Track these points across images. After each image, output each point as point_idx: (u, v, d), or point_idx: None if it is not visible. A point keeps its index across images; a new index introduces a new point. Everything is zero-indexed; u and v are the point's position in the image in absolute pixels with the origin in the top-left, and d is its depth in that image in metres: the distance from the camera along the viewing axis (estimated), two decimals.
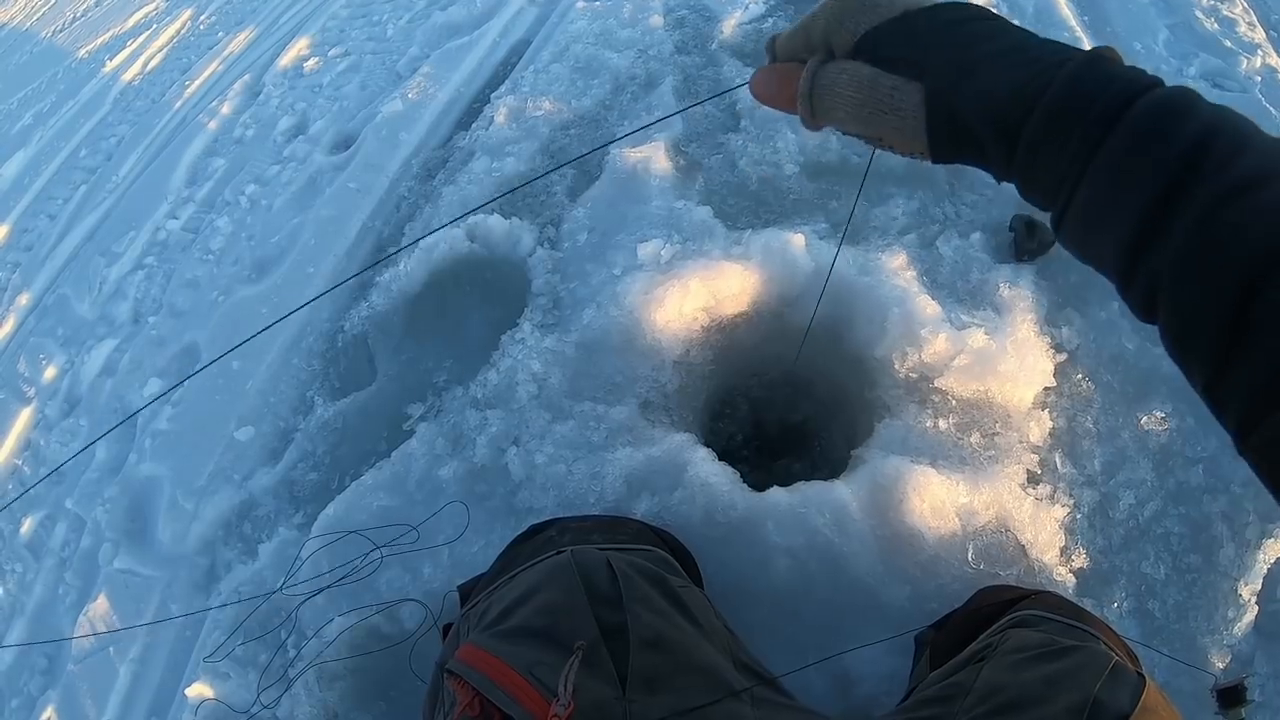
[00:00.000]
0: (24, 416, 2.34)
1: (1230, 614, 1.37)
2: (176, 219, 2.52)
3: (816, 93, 0.61)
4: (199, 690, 1.61)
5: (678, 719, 0.84)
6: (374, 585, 1.54)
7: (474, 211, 1.92)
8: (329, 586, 1.56)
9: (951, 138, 0.56)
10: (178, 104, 2.98)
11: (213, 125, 2.75)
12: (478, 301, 1.87)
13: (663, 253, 1.76)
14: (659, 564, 1.07)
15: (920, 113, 0.56)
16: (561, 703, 0.78)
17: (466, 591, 1.20)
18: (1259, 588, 1.39)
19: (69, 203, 2.93)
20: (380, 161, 2.22)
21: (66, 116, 3.36)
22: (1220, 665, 1.34)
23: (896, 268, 1.69)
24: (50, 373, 2.41)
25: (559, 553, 1.01)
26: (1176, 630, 1.37)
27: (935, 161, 0.58)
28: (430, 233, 1.89)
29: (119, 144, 3.03)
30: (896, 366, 1.56)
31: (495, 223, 1.94)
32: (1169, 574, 1.41)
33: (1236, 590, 1.38)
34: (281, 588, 1.62)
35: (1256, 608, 1.38)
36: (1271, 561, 1.41)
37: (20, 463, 2.25)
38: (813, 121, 0.63)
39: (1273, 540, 1.42)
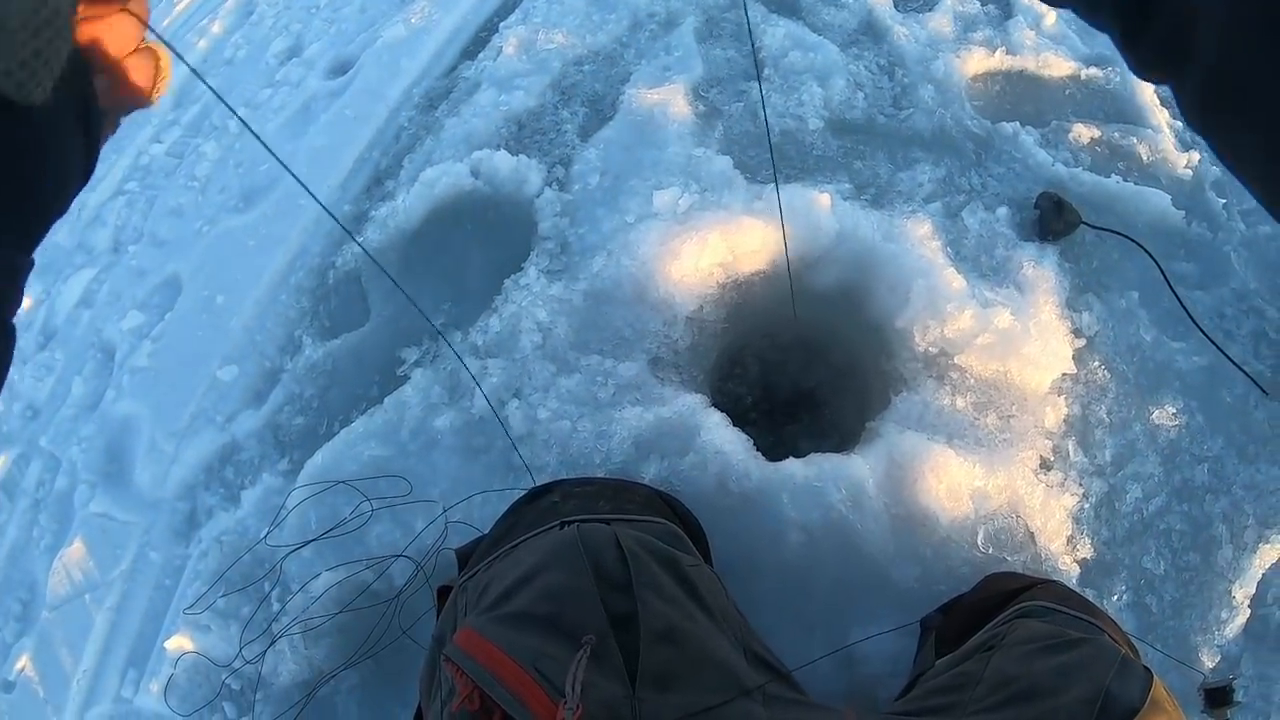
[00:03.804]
0: None
1: (1223, 615, 1.39)
2: (160, 143, 2.38)
3: None
4: (178, 642, 1.56)
5: None
6: (363, 539, 1.46)
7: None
8: (315, 539, 1.48)
9: None
10: (166, 21, 2.80)
11: (202, 45, 2.59)
12: (480, 242, 1.76)
13: (680, 202, 1.67)
14: (669, 539, 1.01)
15: None
16: (570, 705, 0.72)
17: (464, 556, 1.13)
18: (1252, 591, 1.41)
19: None
20: (379, 89, 2.08)
21: None
22: (1209, 664, 1.37)
23: (921, 237, 1.62)
24: (25, 302, 2.29)
25: (563, 525, 0.95)
26: (1171, 627, 1.38)
27: None
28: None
29: None
30: (917, 339, 1.51)
31: (501, 159, 1.82)
32: (1168, 570, 1.42)
33: (1231, 592, 1.41)
34: (265, 538, 1.54)
35: (1248, 611, 1.40)
36: (1266, 566, 1.43)
37: None
38: None
39: (1269, 545, 1.44)
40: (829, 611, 1.29)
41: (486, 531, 1.14)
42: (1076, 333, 1.60)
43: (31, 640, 1.73)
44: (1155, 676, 0.85)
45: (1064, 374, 1.54)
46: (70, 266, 2.23)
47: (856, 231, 1.62)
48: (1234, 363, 1.57)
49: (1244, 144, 0.44)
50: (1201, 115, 0.44)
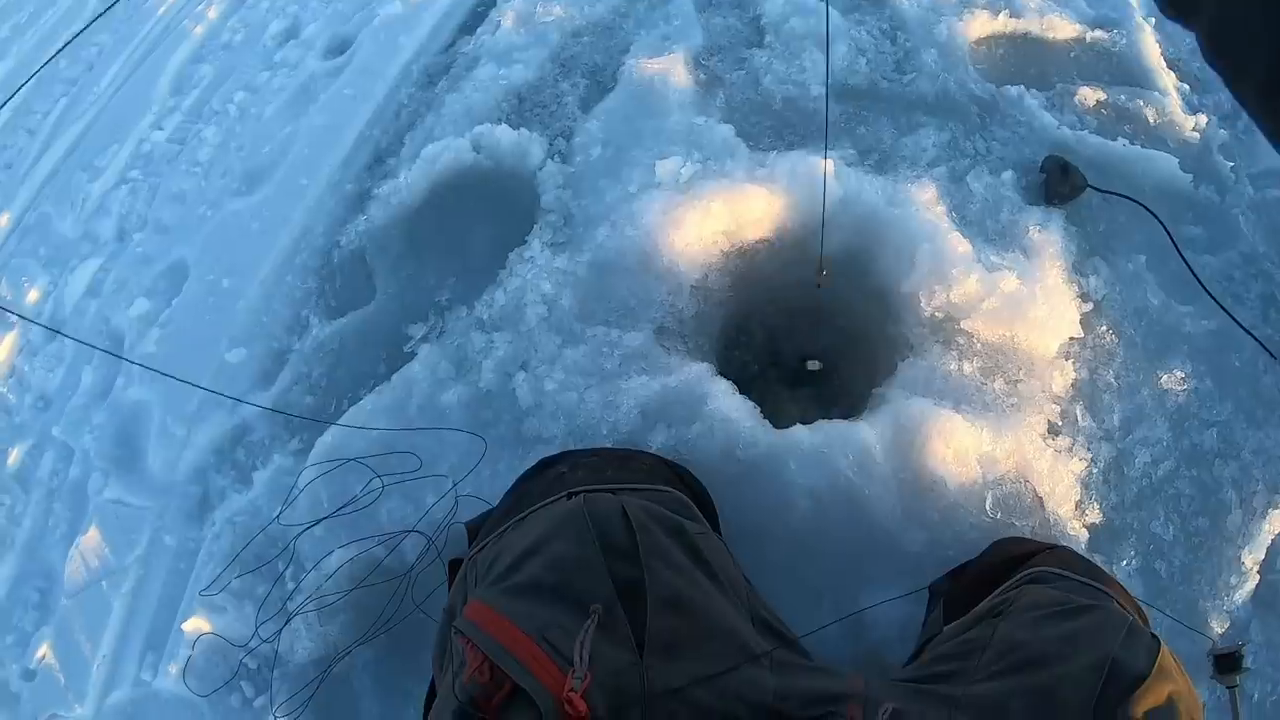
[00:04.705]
0: (8, 341, 2.23)
1: (1232, 580, 1.38)
2: (161, 130, 2.36)
3: None
4: (195, 624, 1.56)
5: (696, 687, 0.78)
6: (374, 516, 1.46)
7: None
8: (327, 517, 1.48)
9: None
10: (161, 9, 2.79)
11: (199, 30, 2.58)
12: (483, 217, 1.75)
13: (682, 171, 1.66)
14: (676, 507, 1.01)
15: None
16: (578, 674, 0.73)
17: (474, 529, 1.13)
18: (1261, 557, 1.40)
19: (49, 117, 2.77)
20: (378, 67, 2.07)
21: (46, 27, 3.17)
22: (1219, 630, 1.36)
23: (926, 201, 1.61)
24: (33, 295, 2.29)
25: (570, 495, 0.95)
26: (1180, 592, 1.38)
27: None
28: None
29: (100, 53, 2.85)
30: (923, 304, 1.50)
31: (503, 133, 1.80)
32: (1177, 535, 1.41)
33: (1240, 557, 1.40)
34: (278, 518, 1.54)
35: (1257, 577, 1.39)
36: (1275, 532, 1.42)
37: (5, 390, 2.15)
38: None
39: (1278, 511, 1.43)
40: (837, 577, 1.29)
41: (496, 504, 1.14)
42: (1083, 297, 1.59)
43: (51, 628, 1.74)
44: (1162, 643, 0.85)
45: (1071, 338, 1.53)
46: (76, 257, 2.23)
47: (860, 197, 1.61)
48: (1242, 327, 1.56)
49: (1246, 83, 0.49)
50: (1210, 56, 0.49)
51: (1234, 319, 1.56)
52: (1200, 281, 1.60)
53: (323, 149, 1.97)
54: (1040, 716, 0.79)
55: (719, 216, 1.58)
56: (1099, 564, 1.35)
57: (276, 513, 1.54)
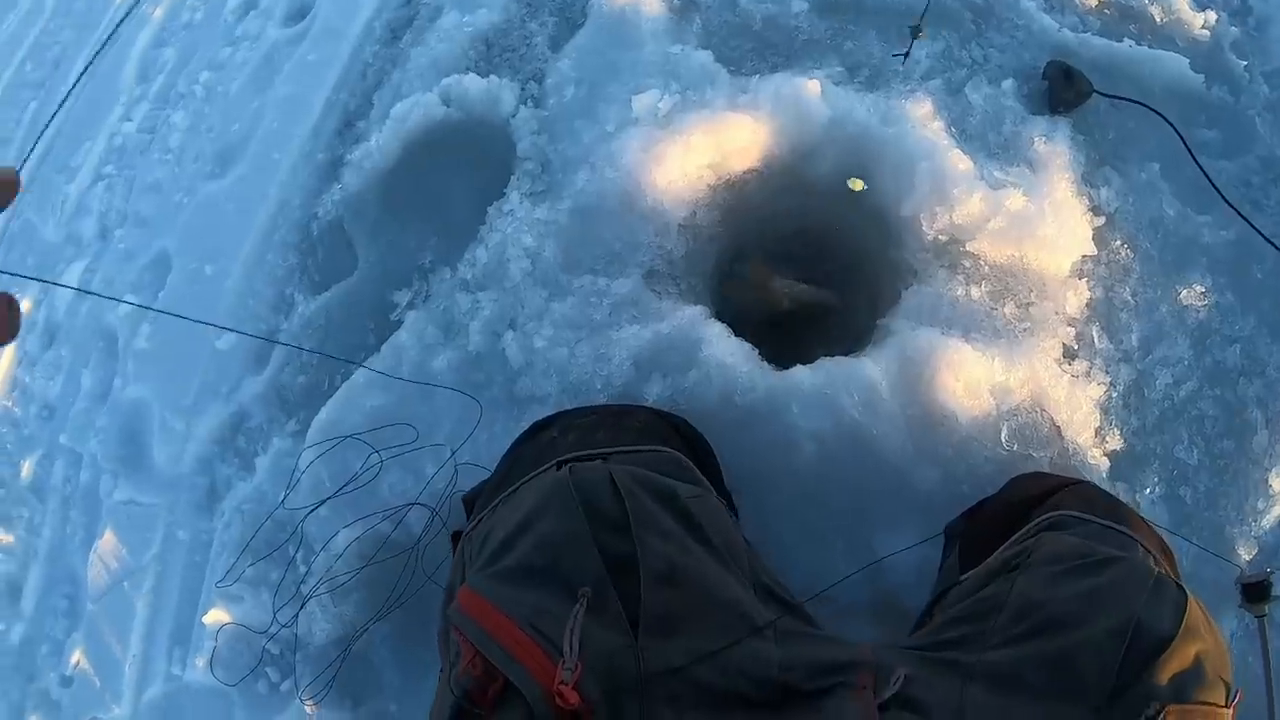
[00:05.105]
0: (6, 354, 2.21)
1: (1259, 504, 1.35)
2: (131, 121, 2.30)
3: None
4: (216, 616, 1.56)
5: (697, 665, 0.74)
6: (376, 491, 1.43)
7: None
8: (330, 498, 1.46)
9: None
10: None
11: (158, 14, 2.48)
12: (459, 172, 1.67)
13: (660, 105, 1.56)
14: (670, 467, 0.96)
15: None
16: (568, 665, 0.68)
17: (470, 501, 1.09)
18: None
19: (20, 124, 2.71)
20: (339, 27, 1.97)
21: (7, 31, 3.09)
22: (1246, 557, 1.33)
23: (922, 117, 1.51)
24: (25, 305, 2.26)
25: (559, 466, 0.91)
26: (1206, 518, 1.34)
27: None
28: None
29: (64, 51, 2.77)
30: (925, 227, 1.42)
31: (471, 82, 1.71)
32: (1201, 459, 1.37)
33: (1267, 480, 1.36)
34: (284, 503, 1.52)
35: None
36: None
37: (10, 404, 2.14)
38: None
39: None
40: (848, 520, 1.24)
41: (491, 472, 1.10)
42: (1095, 210, 1.50)
43: (81, 634, 1.75)
44: (1189, 595, 0.80)
45: (1084, 256, 1.46)
46: (62, 261, 2.19)
47: (851, 116, 1.52)
48: (1263, 235, 1.46)
49: None
50: None
51: (1254, 227, 1.46)
52: (1217, 188, 1.50)
53: (291, 120, 1.89)
54: (1058, 687, 0.74)
55: (702, 149, 1.49)
56: (1122, 498, 1.28)
57: (281, 498, 1.51)
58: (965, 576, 0.98)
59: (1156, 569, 0.83)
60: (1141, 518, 1.04)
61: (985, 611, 0.83)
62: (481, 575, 0.82)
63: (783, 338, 1.56)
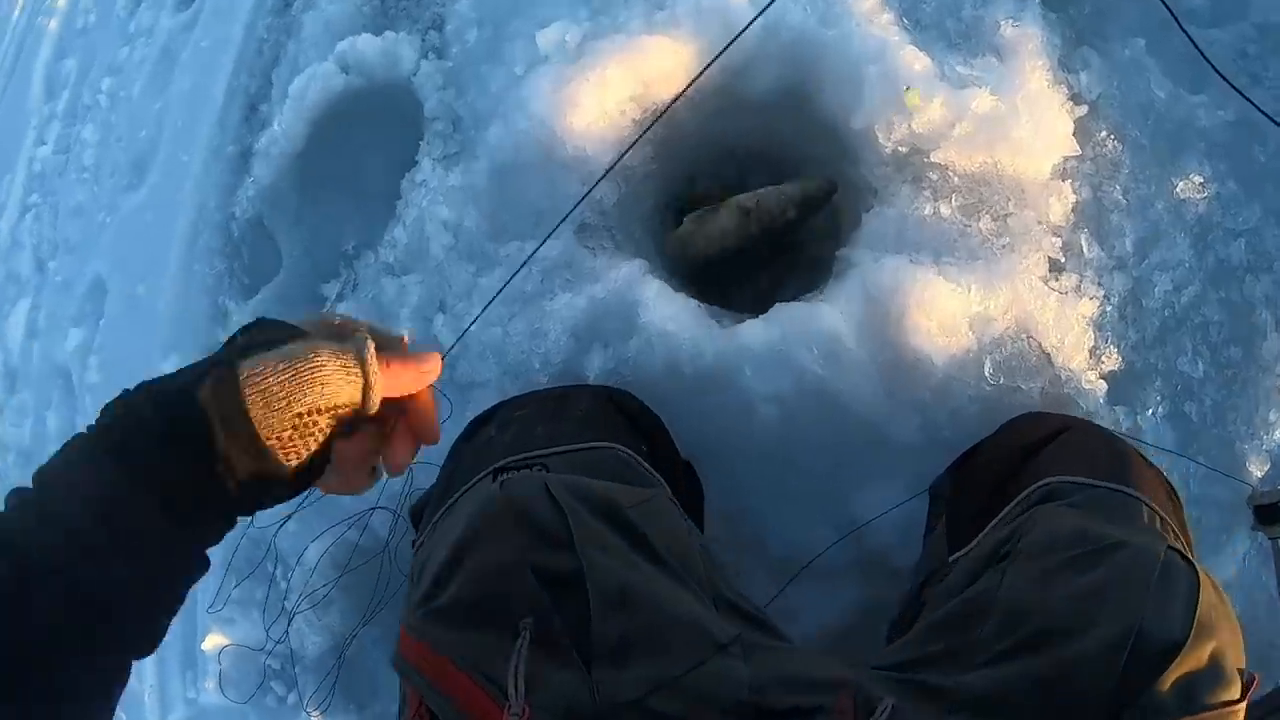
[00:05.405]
0: None
1: (1271, 416, 1.23)
2: (45, 143, 2.20)
3: None
4: (214, 640, 1.56)
5: (656, 695, 0.66)
6: (338, 500, 1.37)
7: None
8: (294, 511, 1.41)
9: None
10: (15, 14, 2.56)
11: (53, 25, 2.35)
12: (370, 144, 1.56)
13: (568, 37, 1.39)
14: (613, 469, 0.88)
15: None
16: (514, 710, 0.63)
17: (416, 515, 1.03)
18: None
19: None
20: (229, 6, 1.84)
21: None
22: (1258, 474, 1.22)
23: (867, 12, 1.33)
24: None
25: (494, 475, 0.84)
26: (1214, 435, 1.23)
27: None
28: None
29: None
30: (881, 140, 1.26)
31: (367, 43, 1.58)
32: (1207, 371, 1.25)
33: (1278, 388, 1.24)
34: (253, 521, 1.47)
35: None
36: None
37: None
38: None
39: None
40: (822, 482, 1.15)
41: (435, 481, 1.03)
42: (1075, 99, 1.34)
43: None
44: (1202, 575, 0.70)
45: (1065, 155, 1.29)
46: (6, 302, 2.13)
47: (785, 20, 1.33)
48: (1263, 113, 1.26)
49: None
50: None
51: (1252, 103, 1.26)
52: (1210, 62, 1.29)
53: (195, 115, 1.78)
54: (1050, 712, 0.66)
55: (620, 82, 1.33)
56: (1122, 422, 1.21)
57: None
58: (954, 559, 0.89)
59: (1164, 548, 0.73)
60: (1145, 460, 0.93)
61: (971, 614, 0.75)
62: (419, 615, 0.75)
63: (748, 275, 1.45)
